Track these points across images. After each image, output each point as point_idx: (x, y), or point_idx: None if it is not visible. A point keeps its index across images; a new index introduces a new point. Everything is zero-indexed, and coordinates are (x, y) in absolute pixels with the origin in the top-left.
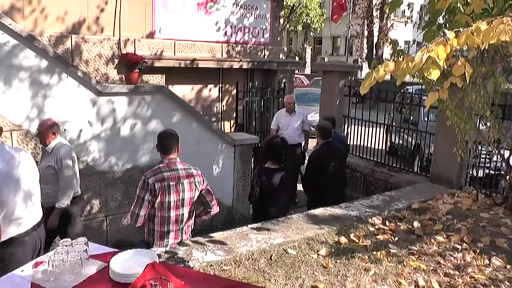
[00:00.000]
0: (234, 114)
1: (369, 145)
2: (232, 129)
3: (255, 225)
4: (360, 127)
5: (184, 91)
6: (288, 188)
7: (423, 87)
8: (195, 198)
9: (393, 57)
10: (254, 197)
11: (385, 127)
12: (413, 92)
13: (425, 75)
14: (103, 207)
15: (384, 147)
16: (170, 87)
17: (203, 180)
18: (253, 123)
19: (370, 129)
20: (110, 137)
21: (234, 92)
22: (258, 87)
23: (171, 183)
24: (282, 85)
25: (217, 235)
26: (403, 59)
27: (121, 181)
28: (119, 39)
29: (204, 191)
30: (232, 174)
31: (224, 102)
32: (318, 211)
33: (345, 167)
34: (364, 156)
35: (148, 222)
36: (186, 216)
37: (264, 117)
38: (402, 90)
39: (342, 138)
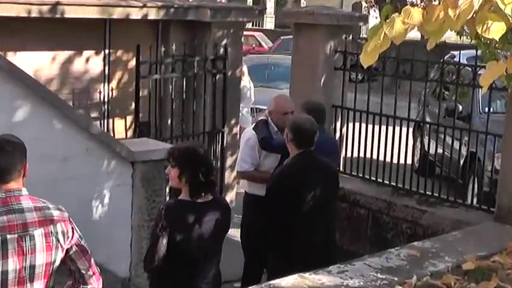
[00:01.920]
0: (133, 105)
1: (382, 158)
2: (130, 133)
3: None
4: (363, 126)
5: (39, 63)
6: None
7: (479, 53)
8: (57, 263)
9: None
10: (154, 261)
11: (413, 125)
12: (463, 61)
13: (480, 31)
14: None
15: (409, 161)
16: (9, 55)
17: (73, 230)
18: (169, 121)
19: (383, 129)
20: None
21: (133, 64)
22: (177, 55)
23: (8, 236)
24: (222, 50)
25: None
26: (438, 3)
27: None
28: None
29: (73, 250)
30: (130, 217)
31: (114, 83)
32: (289, 282)
33: (337, 198)
34: (373, 177)
35: None
36: None
37: (188, 108)
38: (442, 59)
39: (331, 145)
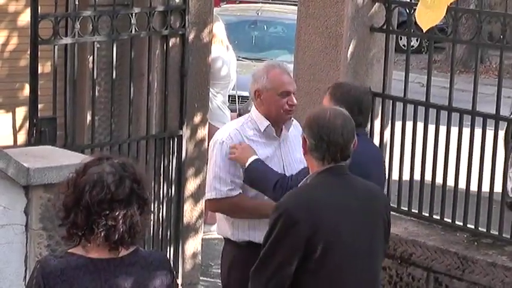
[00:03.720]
0: (27, 90)
1: (451, 183)
2: (22, 137)
3: None
4: (420, 127)
5: None
6: None
7: None
8: None
9: None
10: None
11: (504, 127)
12: None
13: None
14: None
15: (498, 189)
16: None
17: None
18: (88, 117)
19: (454, 133)
20: None
21: (27, 19)
22: (102, 5)
23: None
24: None
25: None
26: None
27: None
28: None
29: None
30: (23, 280)
31: None
32: None
33: (387, 248)
34: (436, 216)
35: None
36: None
37: (122, 97)
38: None
39: (374, 159)
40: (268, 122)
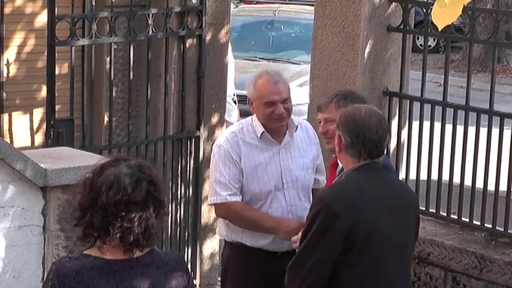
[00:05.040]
0: (44, 91)
1: (469, 182)
2: (40, 138)
3: None
4: (437, 126)
5: None
6: None
7: None
8: None
9: None
10: None
11: None
12: None
13: None
14: None
15: None
16: None
17: None
18: (105, 118)
19: (472, 132)
20: None
21: (44, 20)
22: (119, 6)
23: None
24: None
25: None
26: None
27: None
28: None
29: None
30: (40, 281)
31: (12, 54)
32: None
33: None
34: (454, 215)
35: None
36: None
37: (139, 98)
38: None
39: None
40: (263, 129)
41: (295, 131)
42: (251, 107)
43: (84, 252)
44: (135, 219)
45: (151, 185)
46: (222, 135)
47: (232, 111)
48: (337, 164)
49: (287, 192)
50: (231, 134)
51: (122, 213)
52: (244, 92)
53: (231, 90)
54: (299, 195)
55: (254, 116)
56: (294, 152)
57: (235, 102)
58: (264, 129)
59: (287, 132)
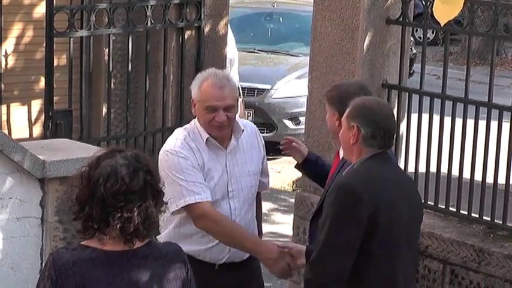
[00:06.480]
0: (42, 82)
1: (467, 175)
2: (38, 129)
3: None
4: (436, 119)
5: None
6: None
7: None
8: None
9: None
10: None
11: None
12: None
13: None
14: None
15: None
16: None
17: None
18: (104, 110)
19: (470, 125)
20: None
21: (42, 12)
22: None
23: None
24: None
25: None
26: None
27: None
28: None
29: None
30: (38, 273)
31: (10, 45)
32: None
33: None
34: (453, 208)
35: None
36: None
37: (137, 89)
38: None
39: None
40: (207, 135)
41: (241, 135)
42: (193, 108)
43: (82, 243)
44: (135, 209)
45: (148, 175)
46: (171, 141)
47: None
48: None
49: (232, 201)
50: (181, 141)
51: (121, 204)
52: (244, 84)
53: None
54: (244, 203)
55: (196, 121)
56: (240, 158)
57: (240, 95)
58: (208, 135)
59: (232, 137)
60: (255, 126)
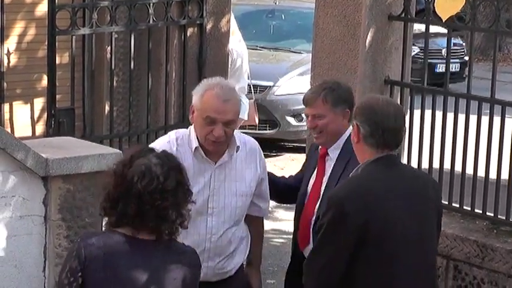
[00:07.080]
0: (45, 80)
1: (470, 171)
2: (41, 128)
3: None
4: (439, 115)
5: None
6: None
7: None
8: None
9: None
10: None
11: None
12: None
13: None
14: None
15: None
16: None
17: None
18: (106, 108)
19: (473, 121)
20: None
21: (44, 10)
22: None
23: None
24: None
25: None
26: None
27: None
28: None
29: None
30: (42, 271)
31: (12, 43)
32: None
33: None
34: (455, 204)
35: None
36: None
37: (140, 87)
38: None
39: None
40: (197, 144)
41: (236, 152)
42: (191, 115)
43: (113, 228)
44: (169, 206)
45: (179, 174)
46: (158, 143)
47: (242, 106)
48: (326, 154)
49: (210, 218)
50: (168, 144)
51: (158, 202)
52: (254, 82)
53: (245, 83)
54: (224, 223)
55: (192, 127)
56: (229, 175)
57: (250, 92)
58: (198, 144)
59: (226, 152)
60: (257, 146)
